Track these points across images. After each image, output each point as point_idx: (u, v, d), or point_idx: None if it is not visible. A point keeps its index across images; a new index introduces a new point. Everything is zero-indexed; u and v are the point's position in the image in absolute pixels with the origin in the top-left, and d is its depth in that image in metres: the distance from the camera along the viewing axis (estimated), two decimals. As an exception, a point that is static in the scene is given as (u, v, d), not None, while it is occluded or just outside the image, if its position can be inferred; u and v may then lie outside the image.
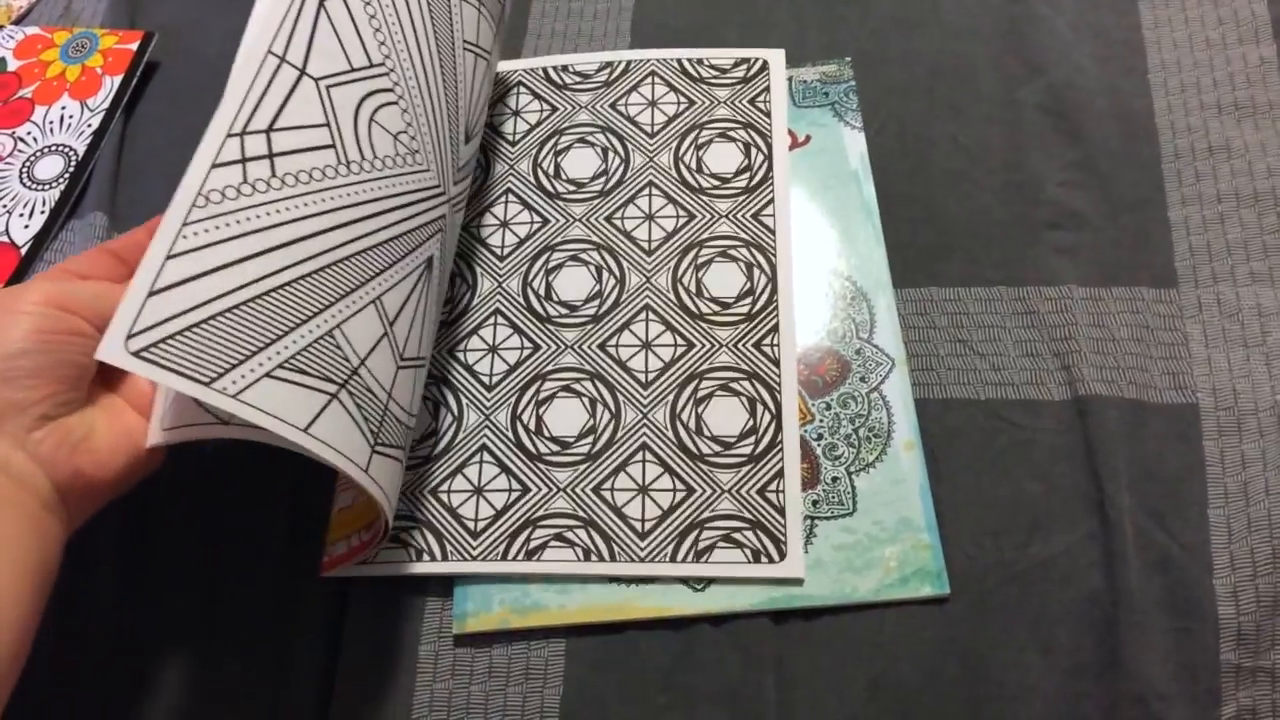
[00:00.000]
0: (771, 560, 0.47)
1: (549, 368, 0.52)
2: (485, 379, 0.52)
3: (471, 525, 0.48)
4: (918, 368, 0.51)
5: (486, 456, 0.50)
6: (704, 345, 0.52)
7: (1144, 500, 0.47)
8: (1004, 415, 0.50)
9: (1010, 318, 0.52)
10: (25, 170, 0.59)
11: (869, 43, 0.61)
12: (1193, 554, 0.46)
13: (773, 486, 0.48)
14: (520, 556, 0.48)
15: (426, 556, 0.48)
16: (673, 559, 0.47)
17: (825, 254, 0.54)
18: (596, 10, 0.64)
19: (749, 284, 0.53)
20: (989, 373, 0.51)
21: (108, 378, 0.44)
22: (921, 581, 0.47)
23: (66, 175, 0.59)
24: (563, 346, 0.52)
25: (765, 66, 0.60)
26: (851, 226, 0.55)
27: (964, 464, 0.49)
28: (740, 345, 0.51)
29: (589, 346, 0.52)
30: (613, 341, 0.52)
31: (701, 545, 0.48)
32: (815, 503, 0.48)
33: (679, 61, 0.60)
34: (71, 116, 0.61)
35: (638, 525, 0.48)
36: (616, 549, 0.48)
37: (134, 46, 0.63)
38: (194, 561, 0.49)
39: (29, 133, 0.61)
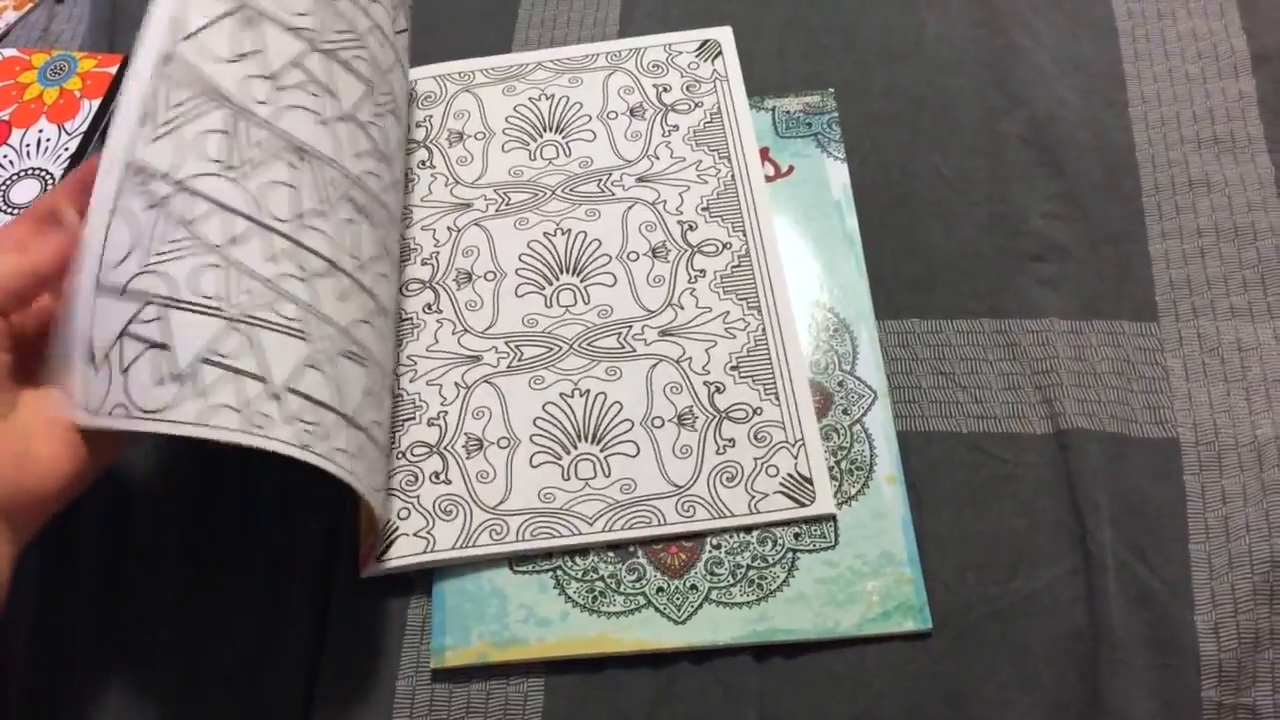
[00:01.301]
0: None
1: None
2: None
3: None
4: (900, 399, 0.51)
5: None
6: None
7: (1125, 535, 0.47)
8: (986, 449, 0.50)
9: (992, 350, 0.52)
10: (1, 194, 0.59)
11: (853, 74, 0.61)
12: (1174, 590, 0.46)
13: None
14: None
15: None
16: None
17: (808, 285, 0.54)
18: (580, 37, 0.64)
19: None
20: (971, 405, 0.51)
21: (30, 372, 0.42)
22: (904, 616, 0.46)
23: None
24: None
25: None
26: (834, 258, 0.54)
27: (946, 498, 0.49)
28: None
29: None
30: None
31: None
32: (797, 535, 0.48)
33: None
34: (49, 140, 0.60)
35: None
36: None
37: (113, 70, 0.62)
38: (174, 598, 0.49)
39: (5, 156, 0.60)
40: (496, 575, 0.48)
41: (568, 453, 0.50)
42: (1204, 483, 0.48)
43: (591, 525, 0.48)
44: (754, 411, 0.50)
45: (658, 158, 0.57)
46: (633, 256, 0.54)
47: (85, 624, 0.48)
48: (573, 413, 0.50)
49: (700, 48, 0.61)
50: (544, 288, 0.54)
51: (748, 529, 0.48)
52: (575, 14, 0.64)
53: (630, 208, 0.55)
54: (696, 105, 0.59)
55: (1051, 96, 0.59)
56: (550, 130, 0.58)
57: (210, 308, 0.39)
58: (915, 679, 0.46)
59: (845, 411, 0.50)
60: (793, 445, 0.49)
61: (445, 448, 0.50)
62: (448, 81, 0.61)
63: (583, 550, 0.48)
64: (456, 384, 0.51)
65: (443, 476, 0.49)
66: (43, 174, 0.59)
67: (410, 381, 0.52)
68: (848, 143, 0.58)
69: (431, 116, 0.59)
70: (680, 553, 0.48)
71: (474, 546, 0.48)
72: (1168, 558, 0.47)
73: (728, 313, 0.52)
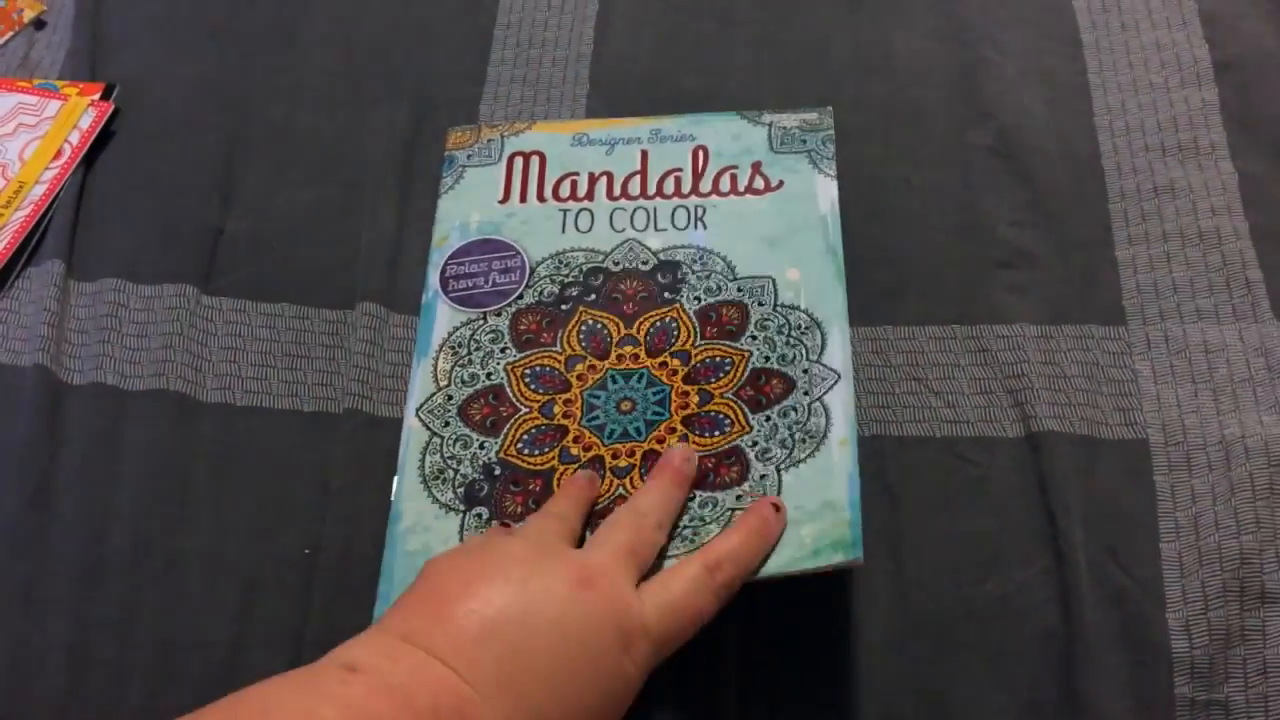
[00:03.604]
0: None
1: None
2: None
3: None
4: (873, 404, 0.52)
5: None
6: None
7: (1097, 535, 0.48)
8: (959, 452, 0.51)
9: (964, 355, 0.53)
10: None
11: (824, 88, 0.62)
12: (1146, 588, 0.47)
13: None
14: None
15: None
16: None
17: (784, 293, 0.54)
18: (555, 58, 0.65)
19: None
20: (944, 410, 0.52)
21: None
22: (835, 550, 0.45)
23: (24, 224, 0.59)
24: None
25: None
26: (815, 266, 0.54)
27: (920, 501, 0.50)
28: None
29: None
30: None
31: None
32: (739, 497, 0.48)
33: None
34: (30, 165, 0.61)
35: None
36: None
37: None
38: (150, 611, 0.49)
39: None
40: None
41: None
42: (1174, 482, 0.49)
43: None
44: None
45: None
46: None
47: (64, 641, 0.48)
48: None
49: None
50: None
51: None
52: (545, 71, 0.65)
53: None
54: None
55: (1018, 107, 0.60)
56: None
57: None
58: (892, 681, 0.46)
59: (806, 393, 0.50)
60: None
61: None
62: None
63: None
64: None
65: None
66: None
67: None
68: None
69: None
70: None
71: None
72: (1139, 557, 0.48)
73: None
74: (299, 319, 0.56)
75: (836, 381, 0.50)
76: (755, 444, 0.49)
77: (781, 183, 0.57)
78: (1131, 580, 0.47)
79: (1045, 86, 0.61)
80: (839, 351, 0.51)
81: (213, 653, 0.48)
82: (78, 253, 0.58)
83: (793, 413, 0.49)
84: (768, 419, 0.50)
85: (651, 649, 0.39)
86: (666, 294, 0.54)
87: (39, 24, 0.68)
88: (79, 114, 0.62)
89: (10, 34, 0.68)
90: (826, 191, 0.56)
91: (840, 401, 0.49)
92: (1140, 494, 0.49)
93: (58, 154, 0.61)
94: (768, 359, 0.51)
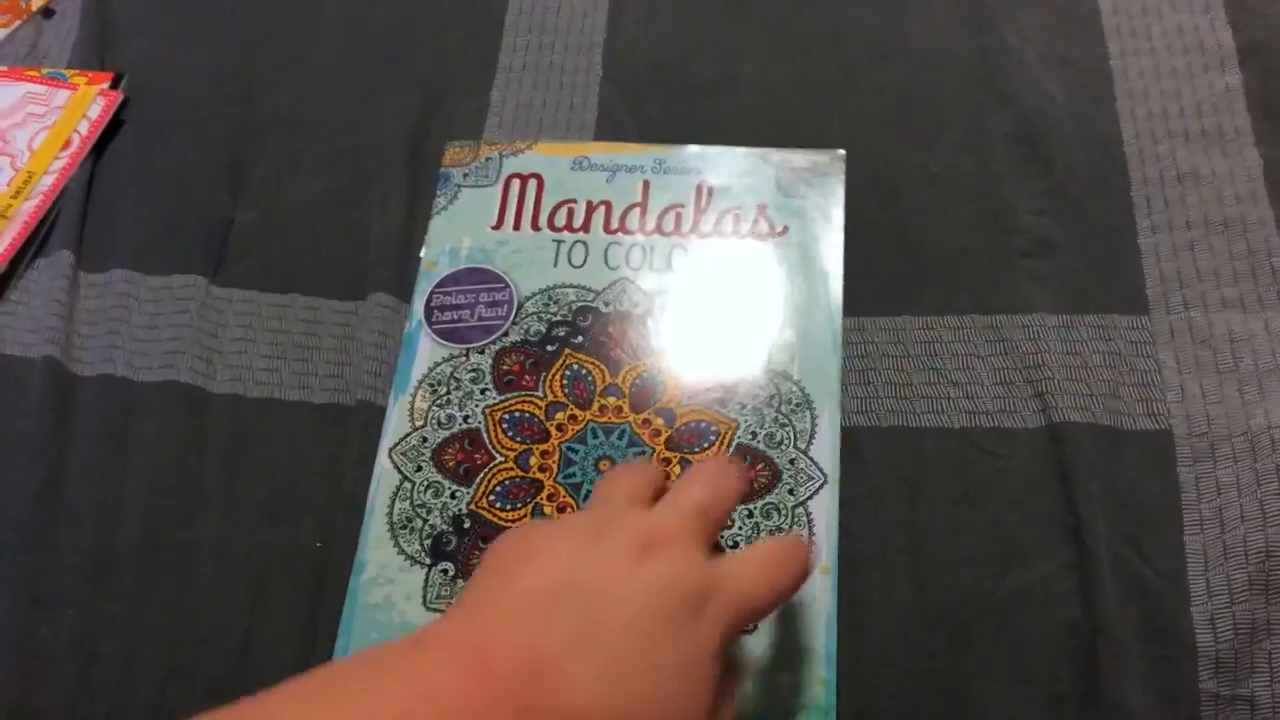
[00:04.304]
0: None
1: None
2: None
3: None
4: (891, 395, 0.51)
5: None
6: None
7: (1120, 528, 0.47)
8: (978, 444, 0.50)
9: (983, 345, 0.52)
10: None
11: (839, 73, 0.61)
12: (1170, 581, 0.46)
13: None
14: None
15: None
16: None
17: (778, 355, 0.52)
18: (567, 44, 0.64)
19: None
20: (963, 401, 0.51)
21: None
22: (810, 718, 0.44)
23: (34, 214, 0.58)
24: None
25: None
26: (811, 329, 0.52)
27: (939, 493, 0.49)
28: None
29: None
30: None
31: None
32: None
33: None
34: (40, 155, 0.61)
35: None
36: None
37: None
38: (159, 604, 0.49)
39: None
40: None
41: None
42: (1198, 474, 0.48)
43: None
44: None
45: None
46: None
47: (73, 634, 0.48)
48: None
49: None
50: None
51: None
52: (556, 58, 0.64)
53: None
54: None
55: (1039, 93, 0.59)
56: None
57: None
58: (912, 675, 0.46)
59: (791, 491, 0.49)
60: None
61: None
62: None
63: None
64: None
65: None
66: (33, 189, 0.59)
67: None
68: (842, 142, 0.58)
69: None
70: None
71: None
72: (1163, 550, 0.47)
73: None
74: (310, 310, 0.56)
75: (822, 485, 0.49)
76: (736, 544, 0.48)
77: (786, 229, 0.55)
78: (1155, 573, 0.46)
79: (1066, 71, 0.60)
80: (828, 446, 0.49)
81: (223, 646, 0.48)
82: (86, 244, 0.58)
83: (775, 514, 0.48)
84: (750, 515, 0.48)
85: (729, 613, 0.37)
86: (655, 341, 0.53)
87: (47, 12, 0.67)
88: (88, 103, 0.62)
89: (18, 23, 0.67)
90: (832, 243, 0.54)
91: (824, 510, 0.48)
92: (1164, 486, 0.48)
93: (66, 144, 0.60)
94: (755, 434, 0.50)
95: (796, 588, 0.39)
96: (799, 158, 0.57)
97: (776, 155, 0.57)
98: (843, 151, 0.57)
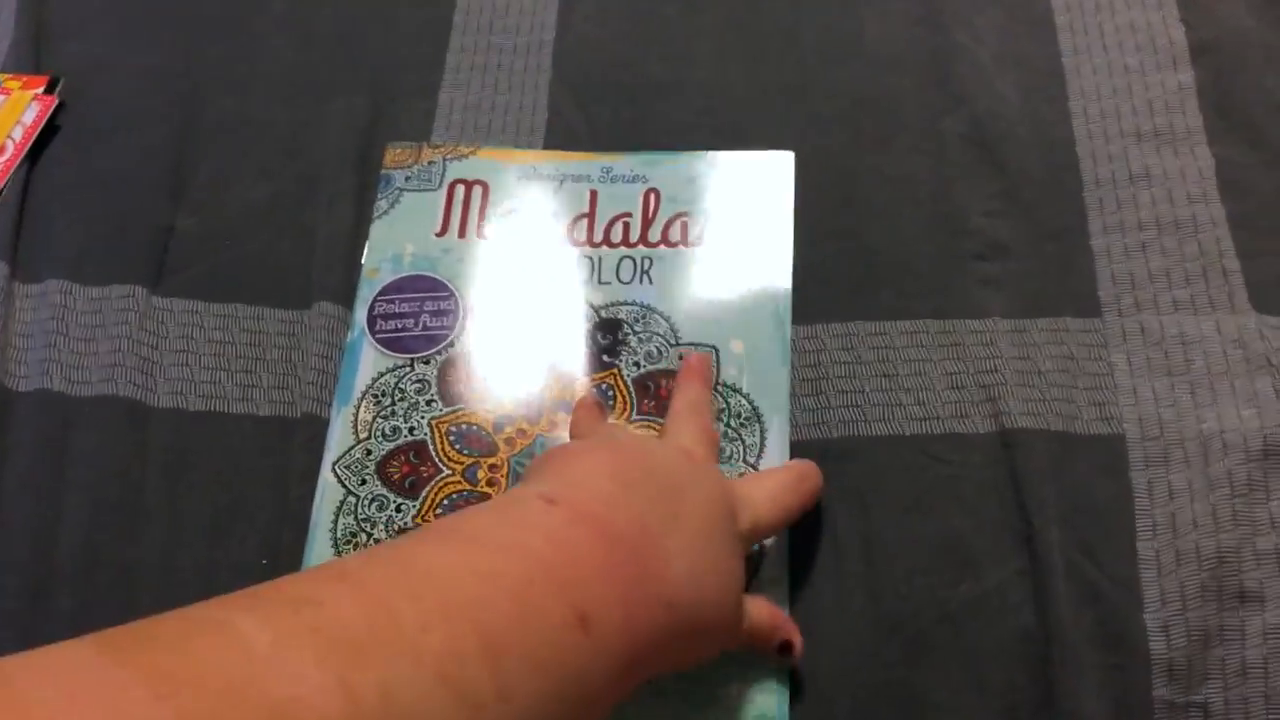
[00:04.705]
0: None
1: None
2: None
3: None
4: (843, 404, 0.51)
5: None
6: None
7: (1073, 534, 0.47)
8: (930, 451, 0.49)
9: (935, 350, 0.52)
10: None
11: (793, 75, 0.61)
12: (1123, 588, 0.46)
13: None
14: None
15: None
16: None
17: (727, 369, 0.51)
18: (516, 44, 0.63)
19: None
20: (914, 408, 0.50)
21: None
22: None
23: (-33, 223, 0.57)
24: None
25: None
26: (761, 340, 0.51)
27: (891, 502, 0.48)
28: None
29: None
30: None
31: None
32: None
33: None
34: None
35: None
36: None
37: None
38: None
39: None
40: None
41: None
42: (1151, 478, 0.48)
43: None
44: None
45: None
46: None
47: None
48: None
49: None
50: None
51: None
52: (505, 59, 0.62)
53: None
54: None
55: (991, 93, 0.58)
56: None
57: None
58: (868, 686, 0.45)
59: None
60: None
61: None
62: None
63: None
64: None
65: None
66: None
67: None
68: (794, 145, 0.57)
69: None
70: None
71: None
72: (1116, 556, 0.47)
73: None
74: (253, 319, 0.55)
75: None
76: None
77: (733, 235, 0.54)
78: (1109, 580, 0.46)
79: (1019, 71, 0.59)
80: (777, 459, 0.49)
81: (165, 668, 0.47)
82: (21, 254, 0.56)
83: None
84: None
85: (751, 524, 0.41)
86: (605, 356, 0.52)
87: (-19, 15, 0.65)
88: (22, 109, 0.60)
89: (-49, 25, 0.65)
90: (781, 249, 0.53)
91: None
92: (1117, 491, 0.48)
93: (0, 151, 0.59)
94: None
95: (804, 510, 0.45)
96: (746, 160, 0.56)
97: (724, 158, 0.56)
98: (791, 153, 0.56)
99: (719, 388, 0.50)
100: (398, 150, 0.58)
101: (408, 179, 0.57)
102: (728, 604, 0.39)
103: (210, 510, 0.50)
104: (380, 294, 0.53)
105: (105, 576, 0.48)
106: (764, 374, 0.50)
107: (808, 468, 0.46)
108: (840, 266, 0.54)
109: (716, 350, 0.51)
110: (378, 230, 0.55)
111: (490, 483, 0.48)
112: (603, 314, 0.53)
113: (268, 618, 0.27)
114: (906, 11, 0.62)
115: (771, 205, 0.55)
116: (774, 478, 0.45)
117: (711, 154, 0.56)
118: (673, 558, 0.35)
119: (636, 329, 0.52)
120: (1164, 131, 0.57)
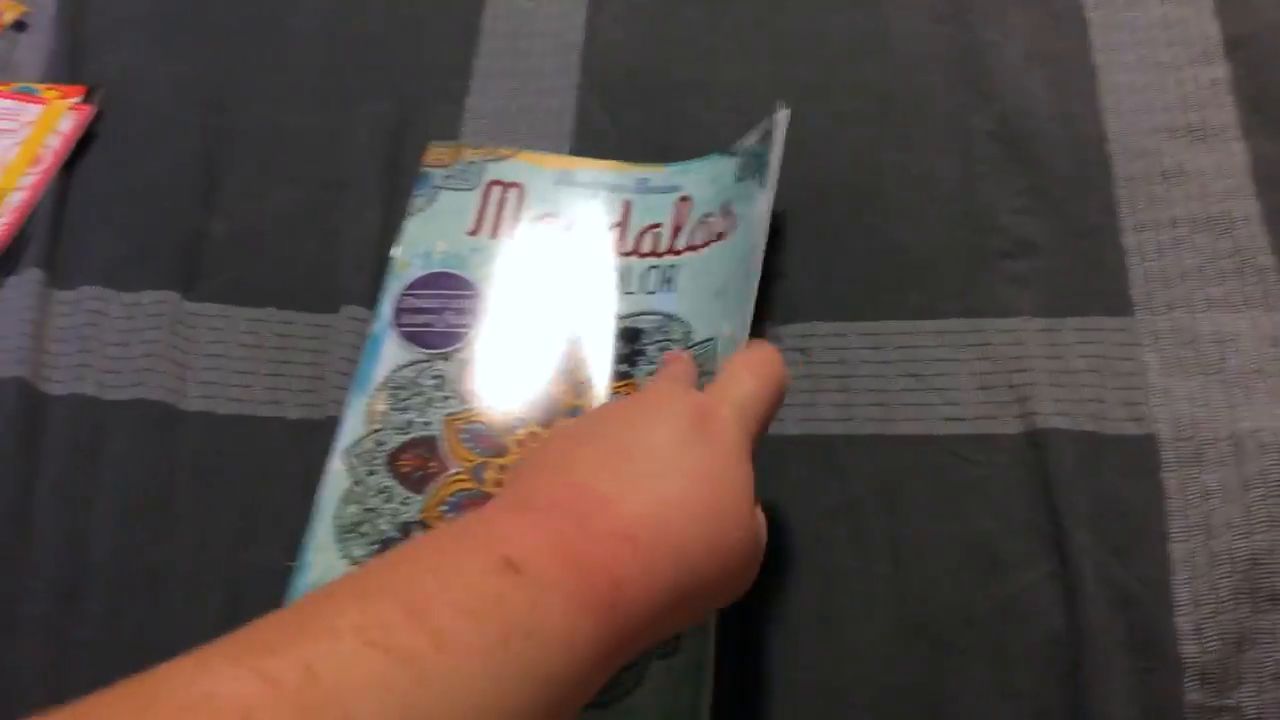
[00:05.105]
0: None
1: None
2: None
3: None
4: (871, 403, 0.50)
5: None
6: None
7: (1104, 536, 0.46)
8: (959, 451, 0.49)
9: (963, 350, 0.51)
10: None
11: (820, 74, 0.60)
12: (1154, 591, 0.45)
13: None
14: None
15: None
16: None
17: (723, 356, 0.48)
18: (544, 49, 0.63)
19: None
20: (942, 407, 0.50)
21: None
22: None
23: (4, 231, 0.58)
24: None
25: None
26: (740, 316, 0.47)
27: (919, 503, 0.48)
28: None
29: None
30: None
31: None
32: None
33: None
34: (11, 171, 0.60)
35: None
36: None
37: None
38: (130, 625, 0.48)
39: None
40: None
41: None
42: (1183, 479, 0.47)
43: None
44: None
45: None
46: None
47: (41, 660, 0.47)
48: None
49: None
50: None
51: None
52: (534, 62, 0.63)
53: None
54: None
55: (1021, 90, 0.58)
56: None
57: None
58: (893, 689, 0.45)
59: None
60: None
61: None
62: None
63: None
64: None
65: None
66: (5, 205, 0.59)
67: None
68: (813, 144, 0.56)
69: None
70: None
71: None
72: (1147, 558, 0.46)
73: None
74: (283, 324, 0.55)
75: None
76: None
77: (721, 235, 0.53)
78: (1139, 583, 0.45)
79: (1049, 67, 0.59)
80: None
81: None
82: (57, 260, 0.57)
83: None
84: None
85: (735, 412, 0.39)
86: (623, 366, 0.52)
87: (19, 26, 0.67)
88: (59, 118, 0.61)
89: (-9, 37, 0.67)
90: (761, 211, 0.49)
91: None
92: (1148, 492, 0.47)
93: (37, 159, 0.60)
94: None
95: (782, 381, 0.41)
96: (752, 136, 0.54)
97: (739, 144, 0.55)
98: (784, 107, 0.52)
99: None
100: (438, 149, 0.58)
101: (446, 177, 0.57)
102: (723, 511, 0.37)
103: (239, 513, 0.51)
104: (409, 288, 0.54)
105: (135, 579, 0.49)
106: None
107: (766, 347, 0.43)
108: (868, 265, 0.54)
109: (716, 342, 0.50)
110: (413, 225, 0.56)
111: (497, 484, 0.48)
112: (624, 324, 0.52)
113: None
114: (933, 9, 0.61)
115: (762, 167, 0.51)
116: (739, 357, 0.42)
117: (732, 147, 0.56)
118: (625, 494, 0.35)
119: (655, 338, 0.52)
120: (1197, 127, 0.56)
